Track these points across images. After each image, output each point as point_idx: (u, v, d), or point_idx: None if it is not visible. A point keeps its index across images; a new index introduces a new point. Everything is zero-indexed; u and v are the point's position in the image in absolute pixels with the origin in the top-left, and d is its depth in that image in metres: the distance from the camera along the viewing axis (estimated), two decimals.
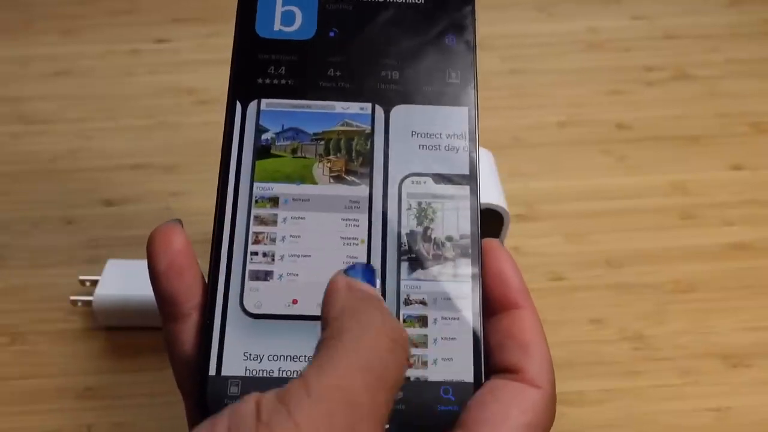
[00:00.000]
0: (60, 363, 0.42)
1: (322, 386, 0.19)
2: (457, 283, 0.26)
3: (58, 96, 0.57)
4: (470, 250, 0.27)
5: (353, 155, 0.28)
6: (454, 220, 0.27)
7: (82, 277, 0.43)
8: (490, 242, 0.27)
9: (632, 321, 0.44)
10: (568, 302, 0.44)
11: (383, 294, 0.26)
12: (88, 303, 0.42)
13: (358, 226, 0.27)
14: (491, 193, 0.41)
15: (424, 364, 0.25)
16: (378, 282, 0.24)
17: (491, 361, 0.25)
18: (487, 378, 0.25)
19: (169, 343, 0.25)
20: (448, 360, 0.25)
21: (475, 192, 0.27)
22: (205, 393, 0.24)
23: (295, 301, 0.26)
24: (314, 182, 0.27)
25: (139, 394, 0.40)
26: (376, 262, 0.26)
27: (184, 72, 0.59)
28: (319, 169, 0.28)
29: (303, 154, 0.28)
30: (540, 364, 0.25)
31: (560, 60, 0.60)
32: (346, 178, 0.27)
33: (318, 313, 0.25)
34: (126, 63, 0.59)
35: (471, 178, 0.28)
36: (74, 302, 0.42)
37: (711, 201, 0.50)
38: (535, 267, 0.46)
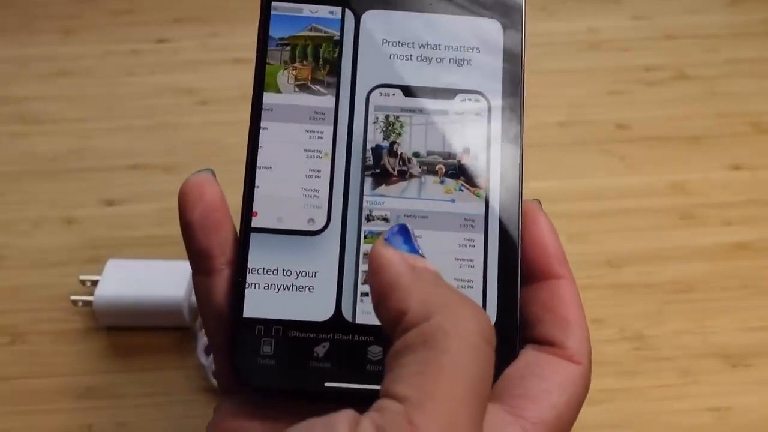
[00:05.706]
0: (60, 363, 0.42)
1: (429, 426, 0.17)
2: (421, 201, 0.25)
3: (58, 96, 0.57)
4: (437, 168, 0.25)
5: (320, 63, 0.26)
6: (422, 135, 0.26)
7: (82, 277, 0.43)
8: (529, 204, 0.25)
9: (632, 321, 0.44)
10: None
11: (344, 211, 0.25)
12: (89, 303, 0.42)
13: (322, 138, 0.26)
14: None
15: None
16: (419, 245, 0.22)
17: (528, 332, 0.24)
18: (521, 346, 0.24)
19: (200, 297, 0.25)
20: None
21: (447, 105, 0.26)
22: None
23: (255, 214, 0.25)
24: (278, 91, 0.26)
25: (139, 394, 0.40)
26: (339, 176, 0.25)
27: (184, 72, 0.58)
28: (284, 77, 0.26)
29: (267, 61, 0.26)
30: (580, 339, 0.24)
31: (560, 60, 0.60)
32: (312, 87, 0.26)
33: (278, 226, 0.24)
34: (126, 63, 0.59)
35: (444, 91, 0.26)
36: (74, 302, 0.42)
37: (711, 201, 0.50)
38: None
